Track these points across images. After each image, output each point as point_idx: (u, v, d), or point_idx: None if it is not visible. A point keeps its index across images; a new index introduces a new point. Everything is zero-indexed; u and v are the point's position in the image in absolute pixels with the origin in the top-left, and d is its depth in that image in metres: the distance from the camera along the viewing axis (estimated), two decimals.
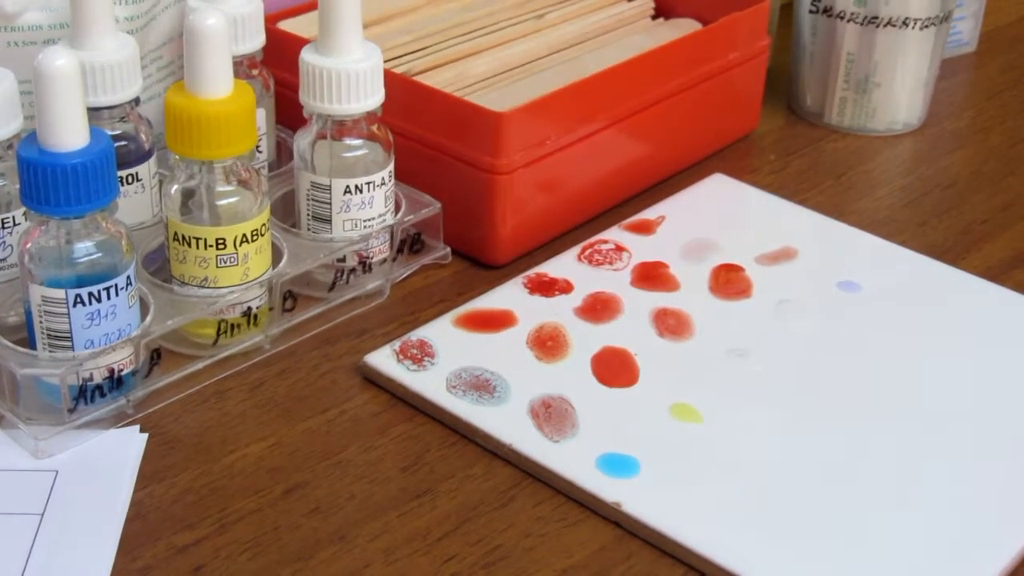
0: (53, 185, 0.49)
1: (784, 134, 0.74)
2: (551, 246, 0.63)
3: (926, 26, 0.70)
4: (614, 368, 0.55)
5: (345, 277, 0.58)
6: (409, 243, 0.60)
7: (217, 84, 0.52)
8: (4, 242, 0.55)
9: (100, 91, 0.56)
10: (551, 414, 0.52)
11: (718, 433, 0.52)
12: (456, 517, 0.49)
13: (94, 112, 0.56)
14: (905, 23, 0.70)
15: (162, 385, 0.53)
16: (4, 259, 0.55)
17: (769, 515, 0.48)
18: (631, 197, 0.66)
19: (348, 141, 0.57)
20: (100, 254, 0.51)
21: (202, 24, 0.52)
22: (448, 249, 0.61)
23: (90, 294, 0.50)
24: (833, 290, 0.60)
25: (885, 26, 0.70)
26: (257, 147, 0.60)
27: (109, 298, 0.51)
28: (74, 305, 0.50)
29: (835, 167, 0.71)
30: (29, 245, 0.51)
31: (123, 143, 0.57)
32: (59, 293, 0.50)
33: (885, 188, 0.70)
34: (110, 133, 0.54)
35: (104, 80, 0.55)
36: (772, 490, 0.49)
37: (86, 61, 0.55)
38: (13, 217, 0.55)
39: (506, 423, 0.52)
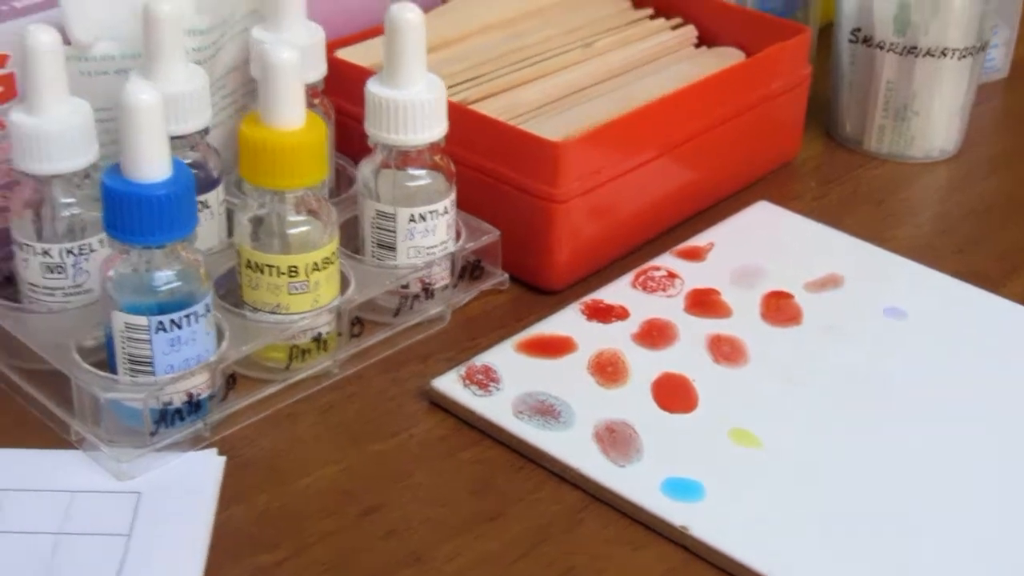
0: (138, 216, 0.51)
1: (823, 160, 0.76)
2: (604, 272, 0.65)
3: (963, 56, 0.72)
4: (673, 394, 0.57)
5: (409, 303, 0.60)
6: (469, 270, 0.62)
7: (291, 116, 0.54)
8: (79, 267, 0.57)
9: (172, 121, 0.57)
10: (615, 439, 0.54)
11: (777, 458, 0.54)
12: (528, 540, 0.51)
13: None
14: (943, 53, 0.72)
15: (237, 409, 0.55)
16: (80, 284, 0.57)
17: (833, 539, 0.50)
18: (678, 223, 0.68)
19: (412, 171, 0.59)
20: (180, 282, 0.52)
21: (277, 58, 0.53)
22: (506, 275, 0.63)
23: (172, 321, 0.52)
24: (880, 317, 0.62)
25: (924, 56, 0.72)
26: None
27: (189, 324, 0.53)
28: (156, 331, 0.52)
29: (874, 194, 0.73)
30: (111, 272, 0.53)
31: (193, 171, 0.59)
32: (142, 320, 0.52)
33: (923, 215, 0.72)
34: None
35: (176, 110, 0.57)
36: (833, 514, 0.51)
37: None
38: (90, 244, 0.57)
39: (572, 447, 0.54)
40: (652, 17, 0.75)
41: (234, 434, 0.55)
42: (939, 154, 0.76)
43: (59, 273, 0.57)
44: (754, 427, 0.55)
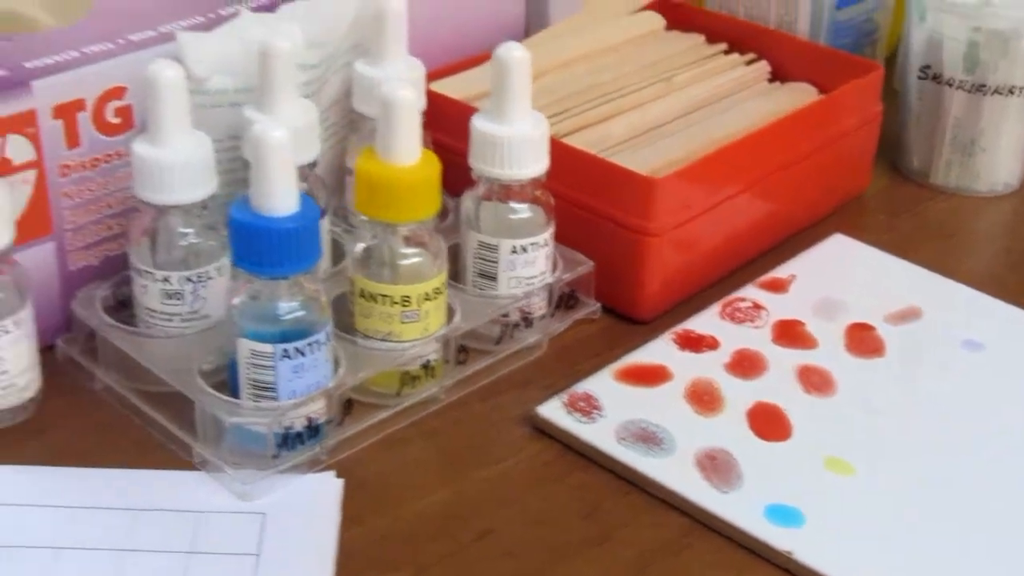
0: (267, 248, 0.53)
1: (891, 194, 0.78)
2: (690, 302, 0.67)
3: None
4: (768, 422, 0.59)
5: (510, 331, 0.63)
6: (564, 299, 0.64)
7: (407, 153, 0.57)
8: (197, 294, 0.59)
9: None
10: (716, 466, 0.57)
11: (871, 485, 0.56)
12: (637, 563, 0.53)
13: None
14: (1011, 91, 0.74)
15: (351, 433, 0.58)
16: (197, 311, 0.59)
17: (928, 562, 0.52)
18: (757, 256, 0.71)
19: (513, 204, 0.62)
20: (303, 312, 0.55)
21: (398, 97, 0.56)
22: (598, 305, 0.66)
23: (296, 348, 0.54)
24: (959, 349, 0.64)
25: (992, 94, 0.74)
26: None
27: (312, 352, 0.55)
28: (281, 358, 0.55)
29: (942, 227, 0.76)
30: (236, 301, 0.55)
31: None
32: (267, 347, 0.54)
33: (991, 248, 0.75)
34: None
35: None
36: (927, 537, 0.53)
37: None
38: (207, 272, 0.59)
39: (675, 474, 0.56)
40: (726, 52, 0.78)
41: (348, 457, 0.57)
42: (1003, 188, 0.78)
43: (177, 300, 0.59)
44: (847, 455, 0.57)
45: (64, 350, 0.61)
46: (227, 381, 0.57)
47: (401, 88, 0.56)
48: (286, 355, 0.54)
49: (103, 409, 0.60)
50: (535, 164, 0.61)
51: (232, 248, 0.54)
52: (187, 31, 0.61)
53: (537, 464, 0.58)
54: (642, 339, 0.65)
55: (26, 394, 0.59)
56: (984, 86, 0.74)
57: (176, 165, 0.57)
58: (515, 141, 0.60)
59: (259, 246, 0.54)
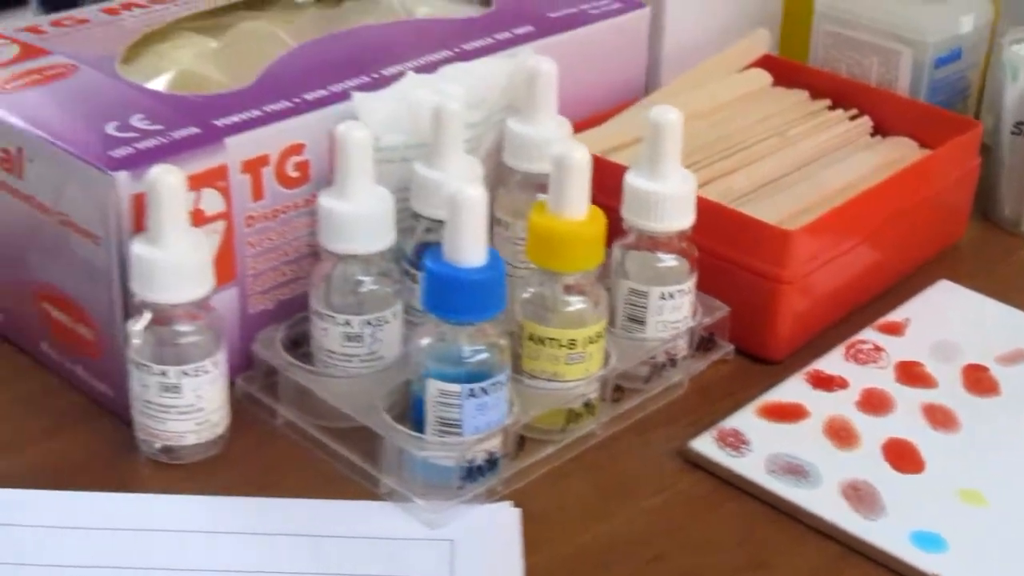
0: (459, 297, 0.59)
1: (985, 241, 0.84)
2: (813, 343, 0.73)
3: None
4: (902, 456, 0.65)
5: (657, 371, 0.68)
6: (703, 342, 0.70)
7: (578, 208, 0.62)
8: (375, 337, 0.65)
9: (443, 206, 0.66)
10: (861, 496, 0.62)
11: (1007, 516, 0.62)
12: None
13: (440, 224, 0.66)
14: None
15: (523, 466, 0.63)
16: (374, 352, 0.65)
17: None
18: (869, 300, 0.77)
19: (661, 254, 0.68)
20: (487, 355, 0.60)
21: (572, 157, 0.62)
22: (732, 347, 0.71)
23: (481, 388, 0.60)
24: None
25: None
26: None
27: (495, 392, 0.60)
28: (467, 397, 0.60)
29: None
30: (424, 343, 0.60)
31: None
32: (455, 387, 0.60)
33: None
34: None
35: None
36: None
37: (439, 180, 0.65)
38: (385, 316, 0.64)
39: (824, 503, 0.62)
40: (830, 108, 0.84)
41: (521, 489, 0.63)
42: None
43: (357, 342, 0.64)
44: (979, 487, 0.63)
45: (243, 387, 0.67)
46: (409, 417, 0.62)
47: (576, 150, 0.62)
48: (472, 395, 0.60)
49: (285, 443, 0.65)
50: (684, 218, 0.67)
51: (424, 295, 0.60)
52: (361, 92, 0.67)
53: (693, 495, 0.63)
54: (773, 378, 0.70)
55: (218, 430, 0.64)
56: None
57: (360, 218, 0.63)
58: (667, 197, 0.66)
59: (451, 295, 0.59)
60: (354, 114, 0.66)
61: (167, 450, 0.63)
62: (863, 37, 0.85)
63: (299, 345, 0.67)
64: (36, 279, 0.66)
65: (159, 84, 0.70)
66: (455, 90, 0.67)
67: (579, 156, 0.62)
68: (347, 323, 0.64)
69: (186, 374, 0.61)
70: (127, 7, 0.77)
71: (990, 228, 0.86)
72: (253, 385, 0.67)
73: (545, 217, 0.63)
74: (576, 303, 0.64)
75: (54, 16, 0.75)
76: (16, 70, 0.68)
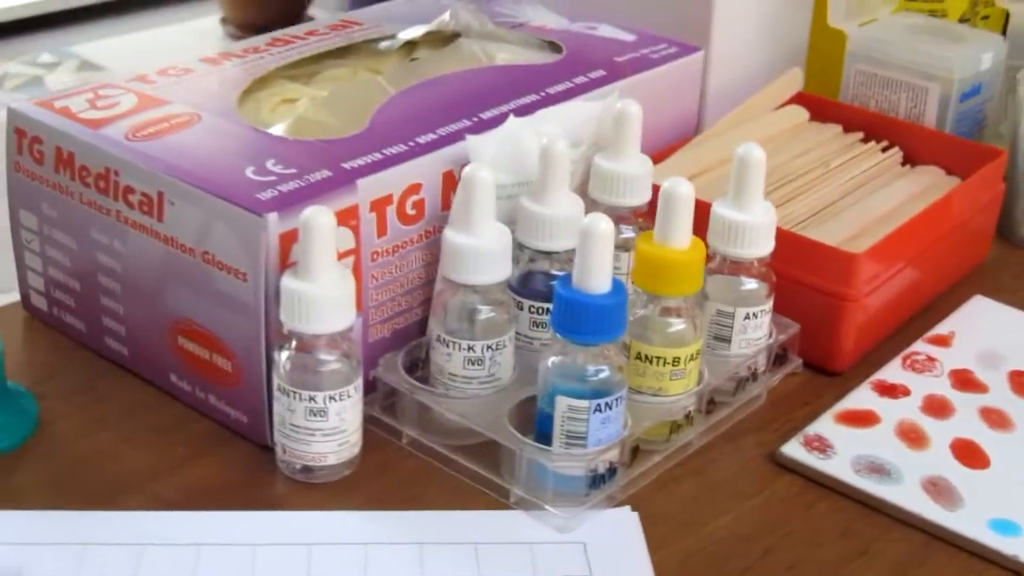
0: (587, 320, 0.66)
1: (1006, 260, 0.93)
2: (868, 356, 0.81)
3: None
4: (969, 454, 0.73)
5: (742, 385, 0.76)
6: (778, 357, 0.78)
7: (682, 239, 0.70)
8: (494, 360, 0.72)
9: (552, 240, 0.73)
10: (939, 490, 0.70)
11: None
12: (896, 571, 0.67)
13: (544, 255, 0.73)
14: None
15: (636, 474, 0.71)
16: (492, 374, 0.72)
17: None
18: (910, 316, 0.85)
19: (743, 278, 0.76)
20: (608, 373, 0.68)
21: (679, 191, 0.69)
22: (800, 360, 0.79)
23: (606, 403, 0.67)
24: None
25: None
26: None
27: (616, 407, 0.68)
28: (593, 412, 0.67)
29: None
30: (551, 362, 0.68)
31: None
32: (583, 403, 0.67)
33: None
34: (558, 273, 0.72)
35: (558, 231, 0.73)
36: None
37: (547, 215, 0.72)
38: (503, 341, 0.72)
39: (908, 498, 0.70)
40: (863, 141, 0.93)
41: (635, 494, 0.70)
42: None
43: (478, 365, 0.72)
44: None
45: (366, 410, 0.73)
46: (532, 431, 0.69)
47: (681, 184, 0.69)
48: (598, 409, 0.67)
49: (411, 460, 0.72)
50: (766, 245, 0.75)
51: (555, 318, 0.67)
52: (472, 135, 0.74)
53: (788, 494, 0.71)
54: (840, 388, 0.79)
55: (355, 450, 0.71)
56: None
57: (483, 251, 0.70)
58: (752, 226, 0.74)
59: (580, 318, 0.66)
60: (466, 155, 0.74)
61: (307, 470, 0.70)
62: (893, 75, 0.94)
63: (412, 370, 0.74)
64: (171, 314, 0.73)
65: (279, 130, 0.76)
66: (554, 131, 0.75)
67: (684, 190, 0.70)
68: (470, 348, 0.71)
69: (332, 399, 0.68)
70: (225, 56, 0.83)
71: (1009, 248, 0.95)
72: (374, 407, 0.73)
73: (652, 245, 0.71)
74: (677, 324, 0.72)
75: (159, 66, 0.82)
76: (142, 119, 0.75)
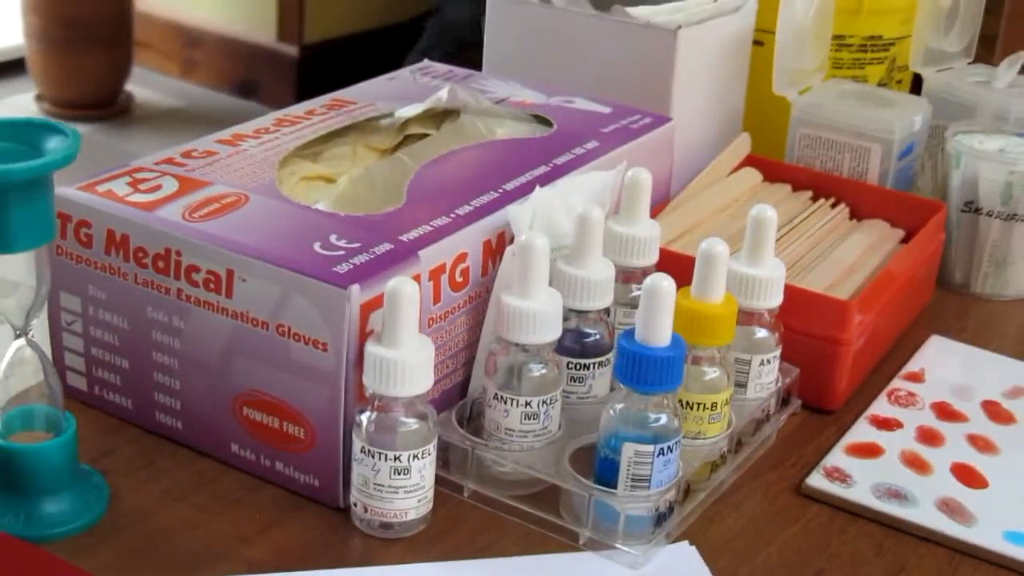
0: (649, 371, 0.75)
1: (944, 302, 1.06)
2: (855, 394, 0.92)
3: None
4: (970, 476, 0.84)
5: (759, 425, 0.86)
6: (782, 399, 0.88)
7: (716, 294, 0.80)
8: (548, 415, 0.79)
9: (588, 300, 0.82)
10: (952, 509, 0.81)
11: None
12: None
13: (576, 313, 0.82)
14: None
15: (687, 511, 0.79)
16: (546, 427, 0.80)
17: None
18: (882, 357, 0.97)
19: (755, 327, 0.85)
20: (667, 420, 0.76)
21: (715, 251, 0.79)
22: (800, 401, 0.89)
23: (668, 447, 0.76)
24: None
25: (1020, 222, 1.03)
26: None
27: (675, 451, 0.76)
28: (657, 456, 0.76)
29: (995, 324, 1.04)
30: (614, 411, 0.76)
31: (597, 337, 0.83)
32: (648, 447, 0.76)
33: None
34: (590, 331, 0.81)
35: (593, 292, 0.81)
36: None
37: (584, 278, 0.81)
38: (555, 395, 0.80)
39: (929, 518, 0.80)
40: (813, 199, 1.04)
41: (687, 530, 0.79)
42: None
43: (534, 420, 0.79)
44: None
45: None
46: (593, 475, 0.77)
47: (718, 244, 0.79)
48: (661, 453, 0.76)
49: (476, 512, 0.79)
50: (777, 297, 0.85)
51: (619, 369, 0.75)
52: (514, 206, 0.82)
53: (821, 521, 0.81)
54: (837, 424, 0.89)
55: (430, 505, 0.77)
56: (1015, 215, 1.03)
57: (540, 314, 0.78)
58: (765, 280, 0.84)
59: (644, 370, 0.75)
60: (501, 225, 0.82)
61: (386, 526, 0.76)
62: (837, 137, 1.06)
63: (462, 425, 0.82)
64: (236, 386, 0.78)
65: (323, 206, 0.83)
66: (579, 199, 0.84)
67: (720, 249, 0.79)
68: (527, 404, 0.79)
69: (415, 457, 0.75)
70: (239, 138, 0.90)
71: (946, 291, 1.08)
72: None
73: (688, 300, 0.80)
74: (711, 372, 0.81)
75: (180, 148, 0.87)
76: (191, 201, 0.81)
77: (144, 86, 3.34)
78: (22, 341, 0.75)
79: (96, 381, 0.84)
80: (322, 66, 3.25)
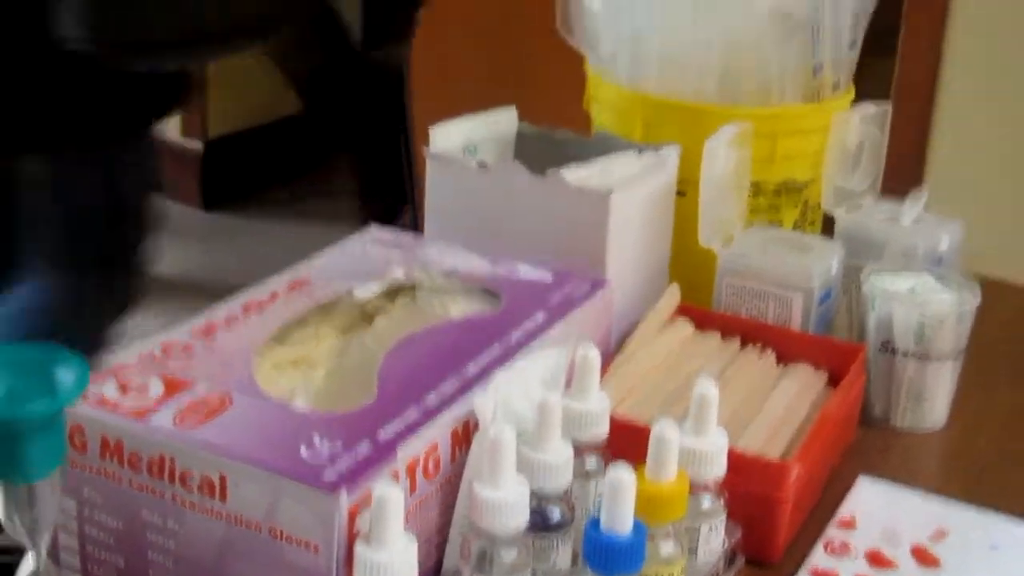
0: (616, 557, 0.85)
1: (867, 436, 1.18)
2: (792, 545, 1.03)
3: (955, 358, 1.16)
4: None
5: None
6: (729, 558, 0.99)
7: (669, 474, 0.90)
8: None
9: (551, 481, 0.92)
10: None
11: None
12: None
13: (534, 494, 0.92)
14: (941, 357, 1.16)
15: None
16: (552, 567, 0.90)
17: None
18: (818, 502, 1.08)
19: (701, 495, 0.96)
20: None
21: (666, 433, 0.89)
22: (743, 559, 1.00)
23: None
24: (987, 551, 1.04)
25: (933, 360, 1.16)
26: None
27: None
28: None
29: (915, 456, 1.16)
30: None
31: (558, 515, 0.93)
32: None
33: (949, 463, 1.15)
34: (553, 508, 0.91)
35: (556, 474, 0.92)
36: None
37: (547, 461, 0.91)
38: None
39: None
40: (742, 346, 1.15)
41: None
42: (940, 425, 1.19)
43: None
44: None
45: None
46: None
47: (668, 428, 0.89)
48: None
49: None
50: (721, 467, 0.96)
51: (587, 554, 0.85)
52: (478, 398, 0.92)
53: None
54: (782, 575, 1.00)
55: None
56: (928, 355, 1.16)
57: (510, 503, 0.88)
58: (710, 453, 0.95)
59: (610, 556, 0.85)
60: (466, 413, 0.92)
61: None
62: (760, 286, 1.17)
63: None
64: None
65: (301, 401, 0.92)
66: (535, 381, 0.94)
67: (671, 434, 0.90)
68: None
69: None
70: (212, 328, 0.99)
71: (867, 425, 1.20)
72: None
73: (646, 484, 0.90)
74: (666, 548, 0.92)
75: (161, 339, 0.96)
76: (178, 406, 0.89)
77: None
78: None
79: None
80: (227, 160, 3.34)
